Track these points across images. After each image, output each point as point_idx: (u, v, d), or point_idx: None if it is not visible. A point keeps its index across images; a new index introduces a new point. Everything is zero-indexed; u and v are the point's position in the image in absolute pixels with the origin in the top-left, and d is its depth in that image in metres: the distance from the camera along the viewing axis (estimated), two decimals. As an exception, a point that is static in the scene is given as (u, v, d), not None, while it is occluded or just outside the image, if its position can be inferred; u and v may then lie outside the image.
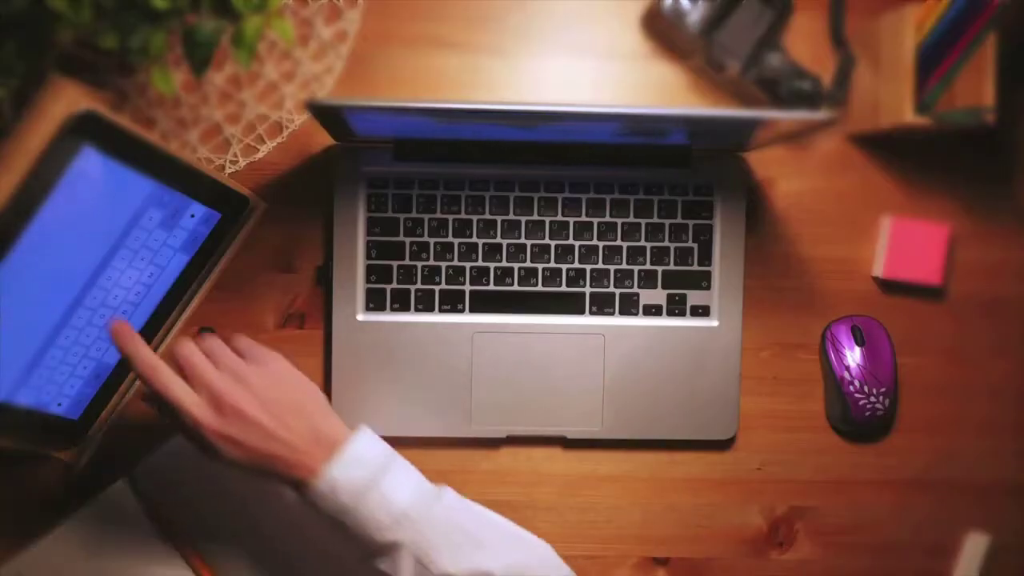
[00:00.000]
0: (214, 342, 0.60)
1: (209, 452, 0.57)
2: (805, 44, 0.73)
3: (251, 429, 0.56)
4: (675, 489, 0.74)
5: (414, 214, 0.70)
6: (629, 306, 0.71)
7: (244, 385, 0.57)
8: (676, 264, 0.72)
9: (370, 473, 0.57)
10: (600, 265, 0.71)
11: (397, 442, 0.71)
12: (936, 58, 0.68)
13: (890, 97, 0.68)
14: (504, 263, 0.71)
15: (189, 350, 0.58)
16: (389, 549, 0.57)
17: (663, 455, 0.74)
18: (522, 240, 0.71)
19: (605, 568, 0.74)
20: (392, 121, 0.64)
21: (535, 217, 0.71)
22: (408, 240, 0.70)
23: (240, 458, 0.57)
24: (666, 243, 0.71)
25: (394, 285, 0.70)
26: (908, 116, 0.66)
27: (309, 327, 0.72)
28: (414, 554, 0.57)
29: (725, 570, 0.74)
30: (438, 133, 0.68)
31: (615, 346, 0.71)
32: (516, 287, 0.71)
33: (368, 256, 0.70)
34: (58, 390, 0.64)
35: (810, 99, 0.70)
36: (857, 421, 0.73)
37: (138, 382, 0.69)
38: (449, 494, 0.61)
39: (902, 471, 0.75)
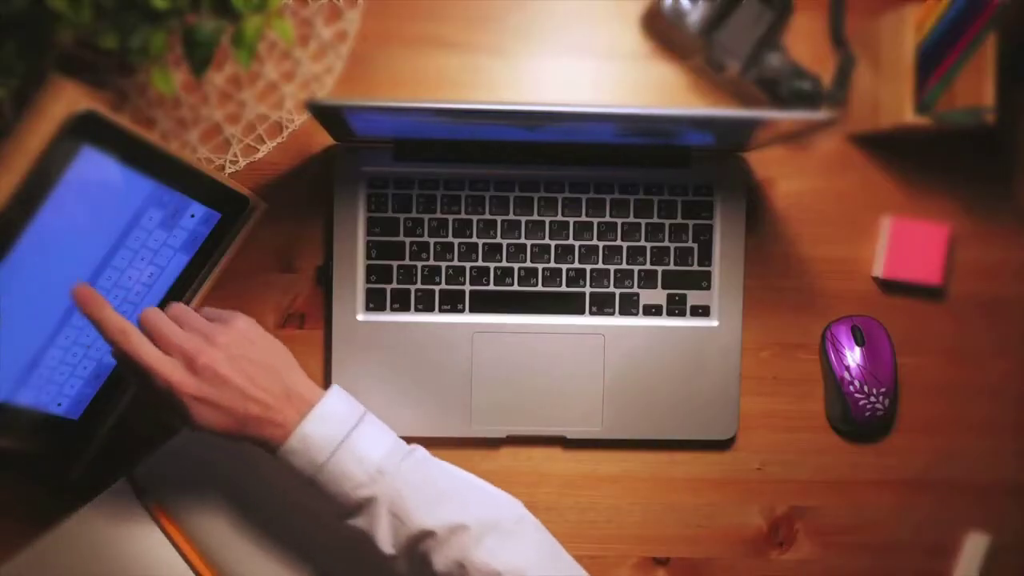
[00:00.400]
0: (179, 308, 0.60)
1: (183, 416, 0.56)
2: (805, 44, 0.73)
3: (225, 388, 0.56)
4: (675, 489, 0.74)
5: (414, 214, 0.70)
6: (629, 306, 0.71)
7: (215, 345, 0.57)
8: (676, 264, 0.72)
9: (342, 428, 0.57)
10: (600, 265, 0.71)
11: (397, 442, 0.71)
12: (936, 58, 0.68)
13: (890, 97, 0.68)
14: (504, 263, 0.71)
15: (156, 316, 0.57)
16: (364, 505, 0.57)
17: (663, 455, 0.74)
18: (522, 240, 0.71)
19: (605, 568, 0.74)
20: (392, 121, 0.64)
21: (535, 217, 0.71)
22: (408, 240, 0.70)
23: (215, 420, 0.56)
24: (666, 243, 0.71)
25: (394, 285, 0.70)
26: (908, 116, 0.66)
27: (309, 327, 0.72)
28: (389, 509, 0.57)
29: (725, 570, 0.74)
30: (438, 133, 0.68)
31: (615, 346, 0.71)
32: (516, 287, 0.71)
33: (368, 256, 0.70)
34: (58, 390, 0.64)
35: (810, 99, 0.70)
36: (857, 421, 0.73)
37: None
38: (421, 451, 0.61)
39: (902, 471, 0.75)
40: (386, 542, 0.58)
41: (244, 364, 0.57)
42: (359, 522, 0.58)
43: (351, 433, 0.58)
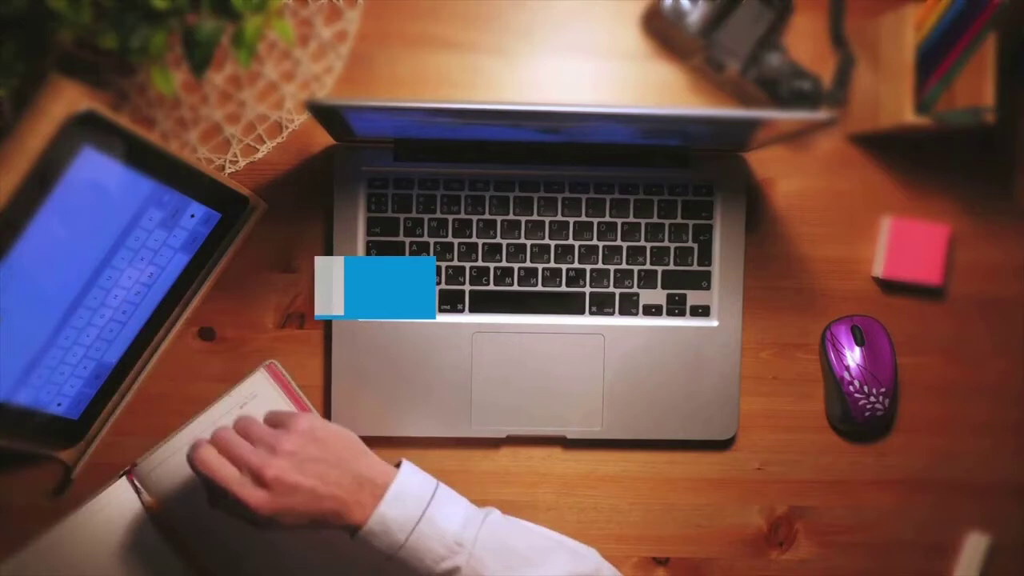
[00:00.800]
0: (244, 419, 0.61)
1: (264, 526, 0.57)
2: (805, 44, 0.73)
3: (298, 494, 0.57)
4: (675, 489, 0.74)
5: (414, 214, 0.70)
6: (629, 306, 0.71)
7: (280, 454, 0.57)
8: (676, 264, 0.72)
9: (418, 506, 0.58)
10: (600, 265, 0.71)
11: (397, 442, 0.71)
12: (936, 58, 0.68)
13: (890, 97, 0.68)
14: (504, 263, 0.71)
15: (224, 432, 0.59)
16: None
17: (663, 455, 0.74)
18: (522, 240, 0.71)
19: (605, 568, 0.74)
20: (392, 121, 0.64)
21: (535, 217, 0.71)
22: (408, 240, 0.70)
23: (294, 522, 0.57)
24: (666, 243, 0.71)
25: (394, 285, 0.70)
26: (908, 116, 0.66)
27: (309, 327, 0.72)
28: None
29: (725, 570, 0.74)
30: (438, 133, 0.68)
31: (615, 346, 0.71)
32: (516, 287, 0.71)
33: (368, 256, 0.70)
34: (58, 390, 0.64)
35: (810, 99, 0.70)
36: (857, 421, 0.73)
37: (137, 385, 0.69)
38: (495, 514, 0.62)
39: (902, 471, 0.75)
40: None
41: (312, 466, 0.58)
42: None
43: (427, 510, 0.58)
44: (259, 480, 0.56)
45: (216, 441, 0.59)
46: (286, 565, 0.68)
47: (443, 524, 0.58)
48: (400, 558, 0.58)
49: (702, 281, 0.72)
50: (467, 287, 0.71)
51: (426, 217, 0.70)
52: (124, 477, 0.68)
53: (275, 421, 0.61)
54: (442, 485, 0.61)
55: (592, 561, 0.62)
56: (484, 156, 0.70)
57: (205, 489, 0.59)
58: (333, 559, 0.68)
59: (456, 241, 0.70)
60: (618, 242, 0.71)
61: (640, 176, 0.71)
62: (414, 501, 0.58)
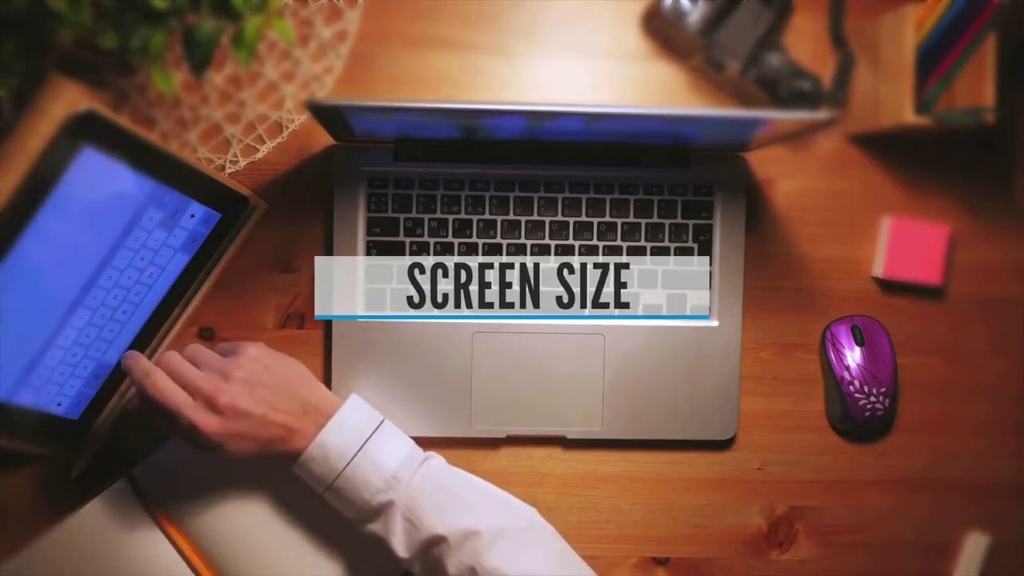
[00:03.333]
0: (194, 348, 0.62)
1: (213, 451, 0.59)
2: (805, 44, 0.73)
3: (248, 420, 0.58)
4: (675, 489, 0.74)
5: (414, 214, 0.70)
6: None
7: (232, 380, 0.59)
8: (676, 264, 0.72)
9: (359, 436, 0.60)
10: (600, 265, 0.71)
11: (397, 442, 0.71)
12: (936, 58, 0.68)
13: (890, 97, 0.68)
14: (504, 263, 0.71)
15: (173, 358, 0.60)
16: (380, 510, 0.60)
17: (663, 455, 0.74)
18: (522, 240, 0.71)
19: (605, 568, 0.74)
20: (392, 121, 0.64)
21: (535, 217, 0.71)
22: (408, 240, 0.70)
23: (242, 449, 0.59)
24: (666, 243, 0.71)
25: (394, 285, 0.70)
26: (908, 116, 0.66)
27: (309, 327, 0.72)
28: (404, 514, 0.60)
29: (725, 570, 0.74)
30: (438, 133, 0.68)
31: (615, 346, 0.71)
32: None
33: (368, 256, 0.70)
34: (58, 390, 0.64)
35: (810, 99, 0.70)
36: (857, 421, 0.73)
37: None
38: (438, 459, 0.63)
39: (902, 471, 0.75)
40: (401, 546, 0.60)
41: (262, 392, 0.60)
42: (376, 527, 0.61)
43: (368, 441, 0.60)
44: (211, 406, 0.58)
45: (167, 367, 0.60)
46: (288, 565, 0.68)
47: (382, 458, 0.60)
48: (337, 487, 0.60)
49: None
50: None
51: (426, 217, 0.70)
52: (124, 477, 0.67)
53: (224, 350, 0.62)
54: (388, 422, 0.63)
55: (527, 517, 0.63)
56: (484, 156, 0.70)
57: (156, 416, 0.59)
58: (334, 557, 0.68)
59: (456, 241, 0.70)
60: (618, 242, 0.71)
61: (640, 176, 0.71)
62: (355, 432, 0.60)
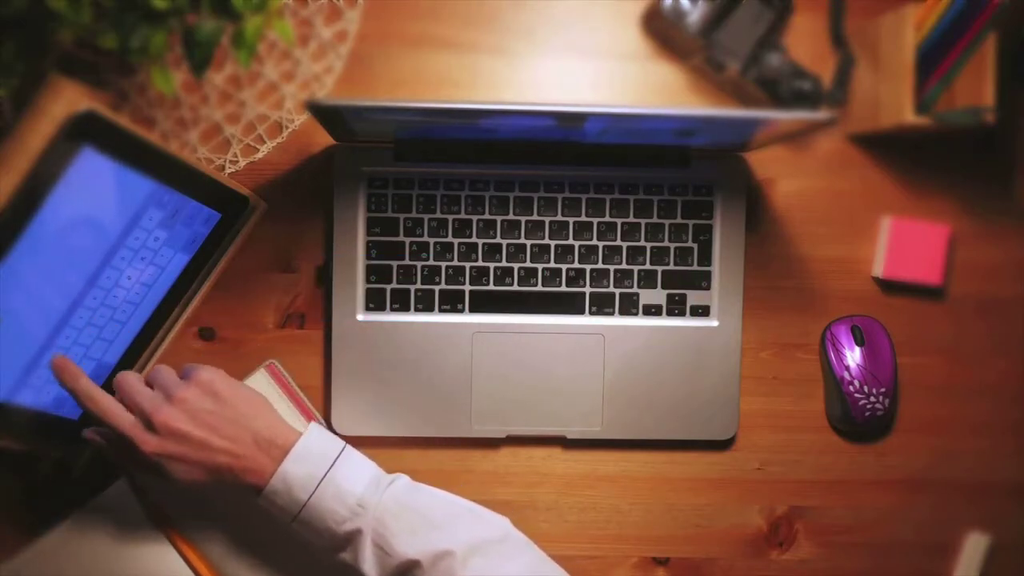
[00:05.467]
0: (156, 368, 0.61)
1: (157, 473, 0.58)
2: (805, 44, 0.73)
3: (185, 442, 0.58)
4: (675, 489, 0.74)
5: (414, 214, 0.70)
6: (629, 306, 0.71)
7: (172, 401, 0.58)
8: (676, 264, 0.72)
9: (322, 465, 0.59)
10: (600, 265, 0.71)
11: (398, 442, 0.71)
12: (936, 58, 0.68)
13: (890, 97, 0.68)
14: (504, 263, 0.71)
15: (125, 378, 0.60)
16: (349, 539, 0.58)
17: (663, 455, 0.74)
18: (522, 240, 0.71)
19: (605, 568, 0.74)
20: (392, 121, 0.64)
21: (535, 217, 0.71)
22: (408, 240, 0.70)
23: (188, 474, 0.58)
24: (666, 243, 0.71)
25: (394, 285, 0.70)
26: (908, 116, 0.66)
27: (309, 327, 0.72)
28: (373, 541, 0.58)
29: (725, 570, 0.74)
30: (438, 133, 0.68)
31: (615, 346, 0.71)
32: (516, 287, 0.71)
33: (368, 256, 0.70)
34: (58, 390, 0.64)
35: (810, 99, 0.70)
36: (857, 421, 0.73)
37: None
38: (403, 479, 0.62)
39: (902, 471, 0.75)
40: (374, 574, 0.58)
41: (204, 416, 0.58)
42: (346, 556, 0.59)
43: (331, 469, 0.59)
44: (148, 425, 0.57)
45: (117, 385, 0.60)
46: (287, 565, 0.68)
47: (346, 485, 0.58)
48: (303, 518, 0.58)
49: (702, 281, 0.72)
50: (467, 287, 0.71)
51: (426, 217, 0.70)
52: (124, 477, 0.67)
53: (182, 373, 0.62)
54: (350, 447, 0.61)
55: (500, 528, 0.62)
56: (484, 156, 0.70)
57: (110, 446, 0.60)
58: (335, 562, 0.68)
59: (456, 241, 0.70)
60: (618, 242, 0.71)
61: (640, 176, 0.71)
62: (317, 460, 0.59)
